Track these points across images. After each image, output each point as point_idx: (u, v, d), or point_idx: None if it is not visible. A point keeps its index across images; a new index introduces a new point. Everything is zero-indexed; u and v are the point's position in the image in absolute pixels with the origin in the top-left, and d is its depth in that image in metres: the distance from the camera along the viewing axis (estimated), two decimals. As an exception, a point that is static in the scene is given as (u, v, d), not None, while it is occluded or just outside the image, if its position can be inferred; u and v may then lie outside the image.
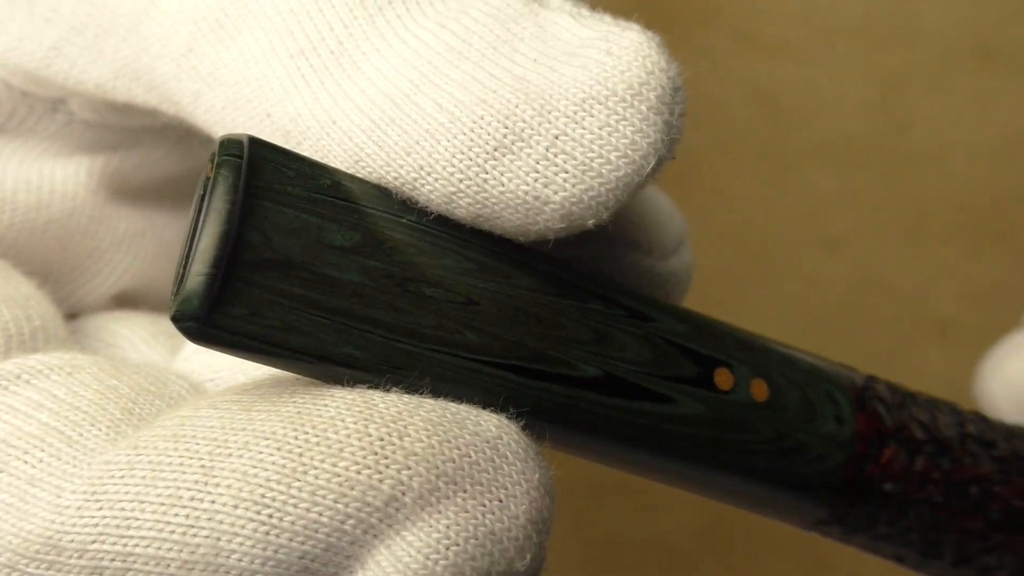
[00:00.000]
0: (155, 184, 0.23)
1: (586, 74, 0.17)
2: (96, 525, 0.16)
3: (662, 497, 0.64)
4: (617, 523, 0.56)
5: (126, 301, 0.24)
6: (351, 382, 0.17)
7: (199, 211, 0.16)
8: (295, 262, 0.16)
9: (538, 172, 0.17)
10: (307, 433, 0.16)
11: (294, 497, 0.16)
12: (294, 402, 0.16)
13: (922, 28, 0.59)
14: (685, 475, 0.19)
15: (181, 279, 0.16)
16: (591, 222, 0.17)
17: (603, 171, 0.17)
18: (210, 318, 0.16)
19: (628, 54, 0.17)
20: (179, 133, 0.23)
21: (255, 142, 0.16)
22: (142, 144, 0.23)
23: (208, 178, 0.16)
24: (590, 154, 0.17)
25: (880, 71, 0.59)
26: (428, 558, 0.16)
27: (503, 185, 0.17)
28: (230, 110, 0.19)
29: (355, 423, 0.16)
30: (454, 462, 0.16)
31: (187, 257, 0.16)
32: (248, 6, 0.18)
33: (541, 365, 0.17)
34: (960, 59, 0.58)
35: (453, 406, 0.17)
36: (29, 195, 0.22)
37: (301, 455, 0.16)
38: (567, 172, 0.17)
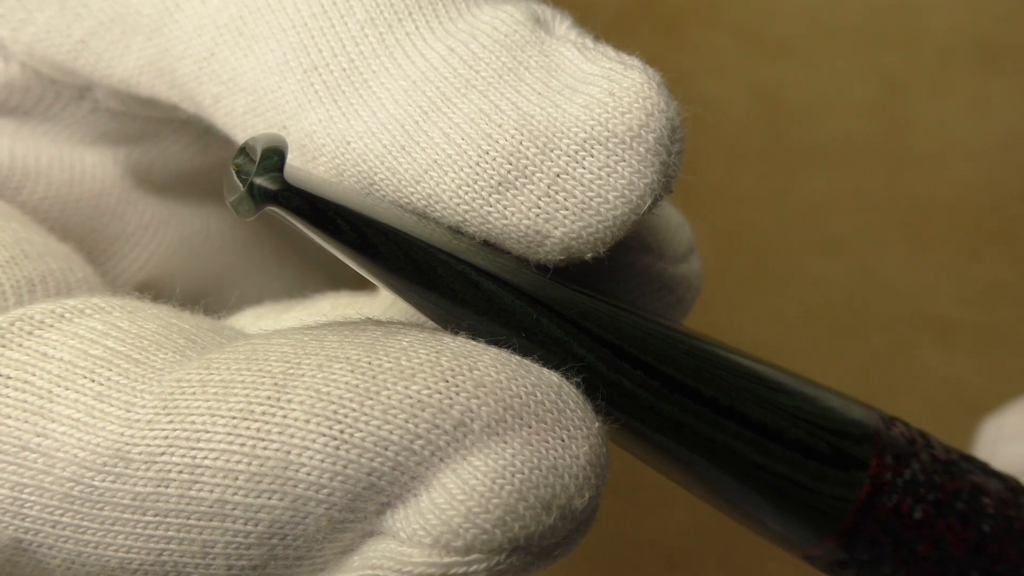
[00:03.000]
0: (178, 177, 0.24)
1: (588, 114, 0.17)
2: (166, 437, 0.16)
3: (662, 497, 0.64)
4: (617, 523, 0.56)
5: (149, 292, 0.24)
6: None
7: None
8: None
9: (539, 208, 0.17)
10: (380, 358, 0.16)
11: (366, 415, 0.16)
12: (366, 333, 0.17)
13: (922, 28, 0.59)
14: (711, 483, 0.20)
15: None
16: (588, 256, 0.18)
17: (601, 210, 0.17)
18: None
19: (629, 95, 0.17)
20: (200, 129, 0.23)
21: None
22: (164, 137, 0.23)
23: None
24: (589, 193, 0.17)
25: (880, 71, 0.59)
26: (495, 482, 0.16)
27: (506, 219, 0.17)
28: (250, 116, 0.19)
29: (427, 354, 0.16)
30: (520, 398, 0.16)
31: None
32: (264, 17, 0.19)
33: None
34: (960, 59, 0.58)
35: (517, 356, 0.17)
36: (63, 172, 0.22)
37: (374, 376, 0.16)
38: (567, 209, 0.17)
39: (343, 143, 0.18)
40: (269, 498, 0.16)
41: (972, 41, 0.58)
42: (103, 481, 0.16)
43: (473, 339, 0.17)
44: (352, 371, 0.16)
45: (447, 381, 0.16)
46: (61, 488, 0.16)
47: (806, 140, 0.60)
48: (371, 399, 0.16)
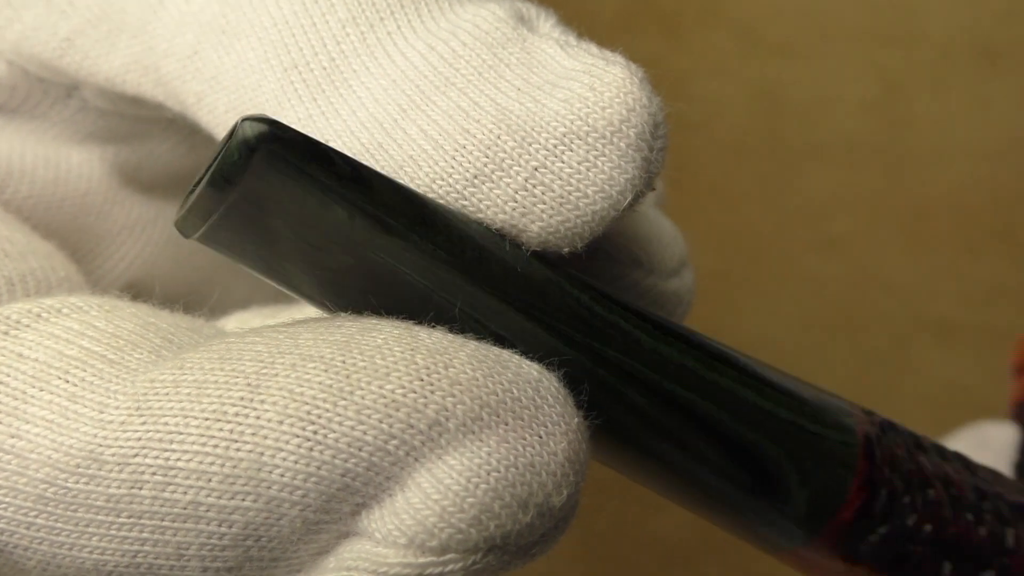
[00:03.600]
0: (165, 176, 0.24)
1: (568, 108, 0.17)
2: (139, 439, 0.16)
3: (663, 497, 0.64)
4: (617, 523, 0.56)
5: (134, 293, 0.24)
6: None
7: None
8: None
9: (516, 202, 0.17)
10: (354, 357, 0.16)
11: (339, 415, 0.16)
12: (340, 331, 0.17)
13: (922, 28, 0.59)
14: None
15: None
16: (565, 250, 0.17)
17: (580, 204, 0.17)
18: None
19: (610, 90, 0.17)
20: (188, 128, 0.23)
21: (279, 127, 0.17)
22: (152, 136, 0.23)
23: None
24: (568, 187, 0.17)
25: (880, 71, 0.60)
26: (469, 481, 0.16)
27: (481, 212, 0.17)
28: (231, 114, 0.19)
29: (402, 352, 0.16)
30: (497, 396, 0.16)
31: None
32: (246, 15, 0.19)
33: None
34: (960, 59, 0.58)
35: (496, 348, 0.17)
36: (48, 171, 0.22)
37: (348, 376, 0.16)
38: (544, 204, 0.17)
39: (323, 142, 0.18)
40: (243, 500, 0.16)
41: (972, 41, 0.58)
42: (76, 483, 0.16)
43: (449, 333, 0.17)
44: (326, 370, 0.16)
45: (422, 380, 0.16)
46: (35, 490, 0.16)
47: (806, 140, 0.60)
48: (345, 399, 0.16)
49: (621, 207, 0.17)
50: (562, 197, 0.17)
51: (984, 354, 0.53)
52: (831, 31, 0.59)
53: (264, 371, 0.16)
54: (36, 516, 0.16)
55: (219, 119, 0.20)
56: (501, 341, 0.17)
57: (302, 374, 0.16)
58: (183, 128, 0.23)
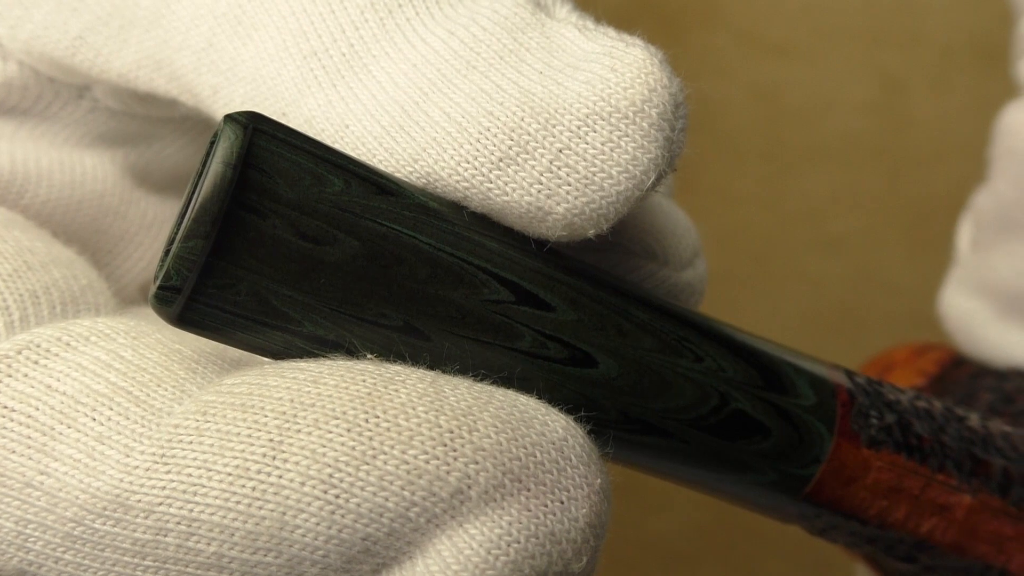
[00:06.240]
0: (176, 177, 0.24)
1: (590, 90, 0.17)
2: (164, 488, 0.16)
3: (663, 497, 0.64)
4: (617, 523, 0.56)
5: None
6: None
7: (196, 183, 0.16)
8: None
9: (542, 184, 0.17)
10: (378, 417, 0.16)
11: (362, 480, 0.16)
12: (364, 381, 0.16)
13: (922, 28, 0.59)
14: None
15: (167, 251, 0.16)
16: (591, 232, 0.17)
17: (605, 185, 0.17)
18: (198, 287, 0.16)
19: (631, 71, 0.17)
20: (197, 129, 0.23)
21: (258, 119, 0.17)
22: (161, 137, 0.23)
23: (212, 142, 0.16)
24: (592, 168, 0.17)
25: (880, 71, 0.60)
26: (490, 553, 0.16)
27: (507, 195, 0.17)
28: (248, 105, 0.19)
29: (426, 412, 0.16)
30: (520, 460, 0.16)
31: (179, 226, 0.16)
32: (263, 4, 0.19)
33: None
34: (960, 59, 0.58)
35: (522, 401, 0.17)
36: (64, 174, 0.22)
37: (371, 439, 0.16)
38: (570, 185, 0.17)
39: (342, 126, 0.18)
40: (265, 555, 0.16)
41: (972, 41, 0.58)
42: (103, 524, 0.16)
43: (474, 386, 0.17)
44: (349, 431, 0.16)
45: (445, 445, 0.16)
46: (63, 527, 0.16)
47: (806, 140, 0.60)
48: (367, 464, 0.16)
49: (645, 187, 0.17)
50: (587, 178, 0.17)
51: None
52: (831, 31, 0.59)
53: (287, 426, 0.16)
54: (64, 552, 0.17)
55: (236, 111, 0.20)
56: (516, 291, 0.17)
57: (325, 433, 0.16)
58: (192, 128, 0.23)
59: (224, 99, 0.19)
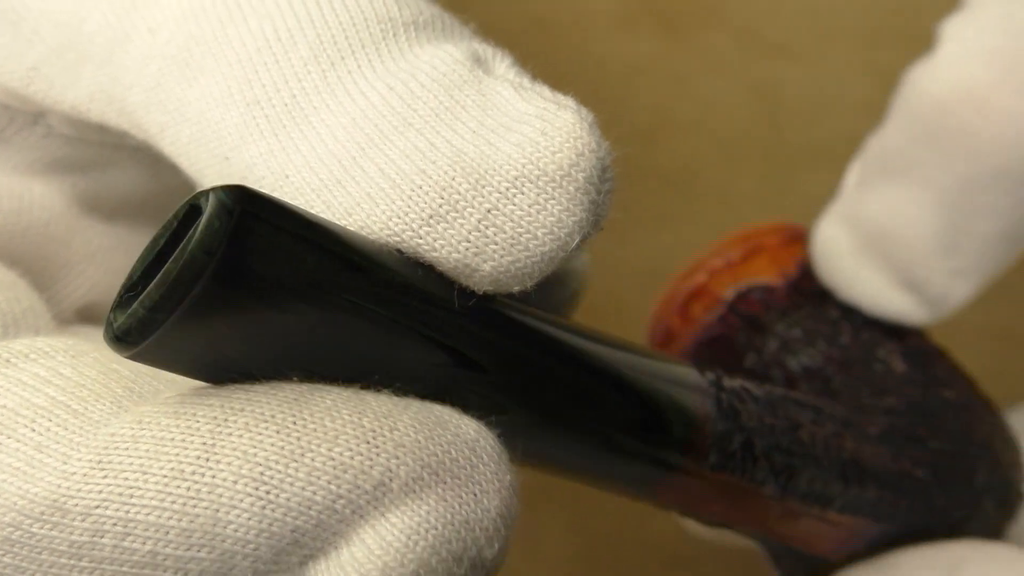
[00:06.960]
0: (128, 203, 0.25)
1: (520, 152, 0.18)
2: (100, 492, 0.17)
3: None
4: (617, 523, 0.56)
5: (89, 315, 0.25)
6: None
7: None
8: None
9: (469, 242, 0.18)
10: (305, 419, 0.17)
11: (291, 476, 0.17)
12: (291, 388, 0.18)
13: (922, 28, 0.59)
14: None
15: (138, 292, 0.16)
16: (516, 289, 0.19)
17: (531, 246, 0.18)
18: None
19: (561, 135, 0.18)
20: (152, 156, 0.24)
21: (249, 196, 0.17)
22: (116, 164, 0.24)
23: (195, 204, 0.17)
24: (519, 229, 0.18)
25: (880, 71, 0.60)
26: (410, 539, 0.17)
27: (436, 251, 0.18)
28: (193, 146, 0.20)
29: (350, 414, 0.17)
30: (437, 457, 0.18)
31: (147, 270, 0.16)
32: (211, 50, 0.20)
33: None
34: (960, 59, 0.58)
35: (437, 408, 0.18)
36: (11, 201, 0.23)
37: (299, 439, 0.17)
38: (497, 244, 0.18)
39: (282, 176, 0.19)
40: (198, 551, 0.17)
41: (972, 41, 0.58)
42: (41, 528, 0.17)
43: (394, 395, 0.18)
44: (278, 432, 0.17)
45: (368, 443, 0.17)
46: (2, 532, 0.17)
47: (806, 140, 0.60)
48: (296, 461, 0.17)
49: (569, 248, 0.18)
50: (513, 239, 0.18)
51: (984, 353, 0.53)
52: (831, 31, 0.59)
53: (219, 429, 0.17)
54: (3, 555, 0.17)
55: (181, 150, 0.20)
56: (467, 365, 0.18)
57: (255, 435, 0.17)
58: (147, 156, 0.24)
59: (171, 138, 0.20)
